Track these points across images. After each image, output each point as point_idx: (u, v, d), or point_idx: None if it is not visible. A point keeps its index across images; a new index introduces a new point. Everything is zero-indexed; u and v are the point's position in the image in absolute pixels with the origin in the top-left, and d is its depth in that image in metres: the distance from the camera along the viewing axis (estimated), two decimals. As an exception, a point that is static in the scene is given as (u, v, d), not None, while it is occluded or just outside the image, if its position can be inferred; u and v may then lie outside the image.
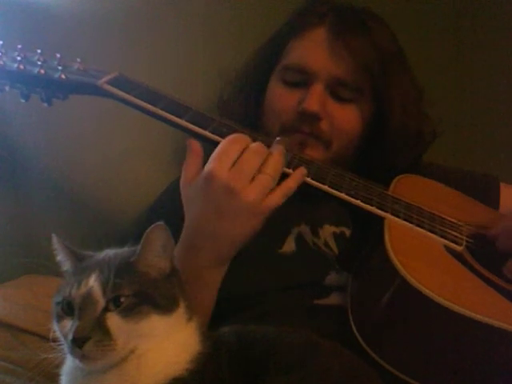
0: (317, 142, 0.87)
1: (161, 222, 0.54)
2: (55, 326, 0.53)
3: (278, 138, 0.73)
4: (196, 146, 0.72)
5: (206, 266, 0.70)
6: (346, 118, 0.87)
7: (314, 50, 0.87)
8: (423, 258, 0.69)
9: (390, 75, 0.87)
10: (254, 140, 0.71)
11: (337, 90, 0.86)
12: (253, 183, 0.68)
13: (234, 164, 0.68)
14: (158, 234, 0.54)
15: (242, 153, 0.68)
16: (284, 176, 0.71)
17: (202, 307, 0.70)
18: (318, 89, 0.85)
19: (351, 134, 0.89)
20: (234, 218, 0.68)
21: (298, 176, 0.72)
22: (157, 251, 0.54)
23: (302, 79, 0.87)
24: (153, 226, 0.54)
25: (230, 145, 0.69)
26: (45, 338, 0.77)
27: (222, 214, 0.68)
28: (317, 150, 0.87)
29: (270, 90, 0.91)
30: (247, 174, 0.67)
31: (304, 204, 0.85)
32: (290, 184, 0.71)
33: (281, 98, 0.89)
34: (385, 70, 0.87)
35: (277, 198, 0.69)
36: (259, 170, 0.68)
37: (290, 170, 0.72)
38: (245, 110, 0.94)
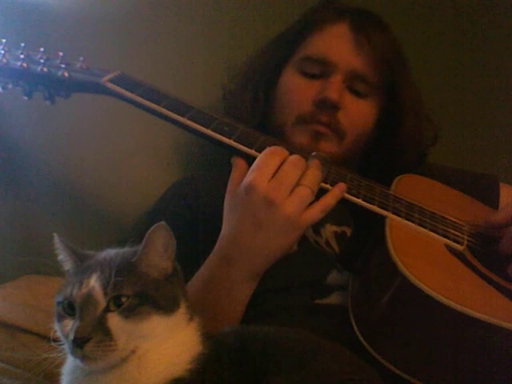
0: (332, 134, 0.87)
1: (162, 222, 0.54)
2: (56, 326, 0.53)
3: (314, 153, 0.73)
4: (240, 162, 0.72)
5: (239, 280, 0.69)
6: (360, 112, 0.88)
7: (336, 42, 0.88)
8: (424, 257, 0.69)
9: (402, 74, 0.90)
10: (291, 153, 0.71)
11: (354, 85, 0.87)
12: (292, 196, 0.67)
13: (273, 176, 0.67)
14: (159, 233, 0.54)
15: (281, 165, 0.68)
16: (321, 191, 0.71)
17: (229, 321, 0.69)
18: (337, 79, 0.86)
19: (364, 129, 0.90)
20: (272, 231, 0.67)
21: (337, 192, 0.71)
22: (158, 251, 0.54)
23: (321, 71, 0.88)
24: (155, 226, 0.53)
25: (269, 156, 0.69)
26: (44, 337, 0.78)
27: (260, 226, 0.67)
28: (331, 142, 0.87)
29: (286, 81, 0.91)
30: (287, 186, 0.67)
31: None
32: (329, 200, 0.70)
33: (299, 89, 0.89)
34: (399, 69, 0.89)
35: (315, 212, 0.69)
36: (298, 183, 0.68)
37: (328, 186, 0.72)
38: (252, 103, 0.94)
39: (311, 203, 0.69)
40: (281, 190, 0.67)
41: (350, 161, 0.87)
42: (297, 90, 0.89)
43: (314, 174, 0.69)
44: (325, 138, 0.87)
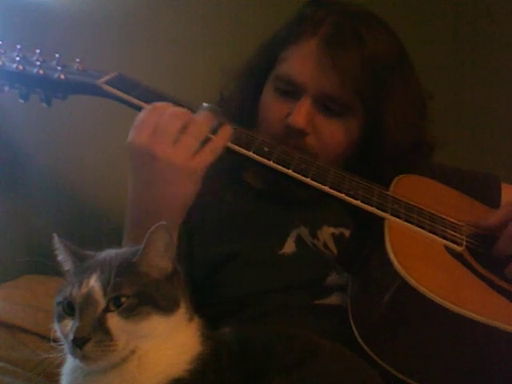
0: (304, 154, 0.83)
1: (163, 222, 0.54)
2: (56, 326, 0.53)
3: (204, 104, 0.73)
4: None
5: None
6: (333, 133, 0.85)
7: (302, 63, 0.84)
8: (423, 259, 0.69)
9: (384, 92, 0.84)
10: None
11: (326, 103, 0.84)
12: (175, 145, 0.67)
13: (154, 131, 0.67)
14: (160, 234, 0.54)
15: (162, 119, 0.68)
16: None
17: None
18: (305, 104, 0.83)
19: (338, 149, 0.86)
20: (163, 183, 0.66)
21: (224, 133, 0.71)
22: (159, 251, 0.54)
23: (292, 90, 0.85)
24: (155, 226, 0.53)
25: (148, 113, 0.68)
26: (44, 337, 0.78)
27: (149, 181, 0.67)
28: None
29: (263, 97, 0.89)
30: (167, 137, 0.66)
31: (302, 206, 0.85)
32: (217, 141, 0.70)
33: (271, 108, 0.88)
34: (378, 87, 0.84)
35: (205, 155, 0.68)
36: (181, 133, 0.67)
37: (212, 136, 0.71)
38: (242, 110, 0.93)
39: None
40: (161, 143, 0.66)
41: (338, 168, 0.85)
42: (269, 109, 0.88)
43: (198, 123, 0.69)
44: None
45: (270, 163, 0.73)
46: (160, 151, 0.66)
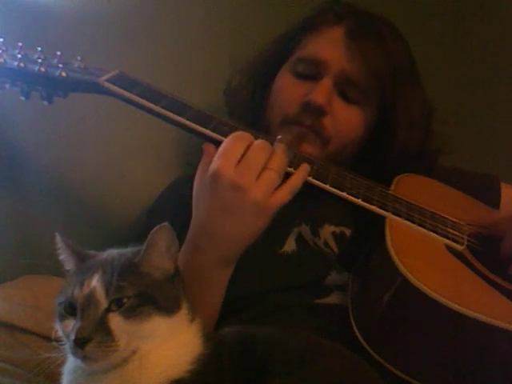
0: (315, 137, 0.86)
1: (165, 223, 0.54)
2: (57, 326, 0.53)
3: (279, 137, 0.73)
4: (211, 149, 0.71)
5: (212, 267, 0.69)
6: (348, 118, 0.87)
7: (329, 45, 0.87)
8: (424, 258, 0.69)
9: (399, 87, 0.87)
10: (257, 138, 0.71)
11: (345, 89, 0.86)
12: (259, 180, 0.67)
13: (239, 161, 0.67)
14: (162, 234, 0.54)
15: (247, 150, 0.68)
16: (288, 176, 0.71)
17: (209, 309, 0.70)
18: (326, 83, 0.85)
19: (351, 136, 0.88)
20: (241, 216, 0.67)
21: (302, 172, 0.72)
22: (161, 252, 0.54)
23: (313, 72, 0.87)
24: (157, 226, 0.53)
25: (234, 142, 0.69)
26: (44, 337, 0.77)
27: (228, 211, 0.67)
28: (314, 145, 0.86)
29: (279, 80, 0.91)
30: (253, 170, 0.67)
31: (304, 204, 0.84)
32: (296, 181, 0.71)
33: (288, 89, 0.89)
34: (395, 82, 0.87)
35: (283, 194, 0.69)
36: (264, 167, 0.68)
37: (292, 170, 0.72)
38: (250, 99, 0.94)
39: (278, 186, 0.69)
40: (248, 175, 0.67)
41: (340, 163, 0.86)
42: (286, 90, 0.89)
43: (280, 158, 0.69)
44: (308, 141, 0.86)
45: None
46: (246, 184, 0.66)
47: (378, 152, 0.89)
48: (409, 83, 0.89)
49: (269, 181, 0.68)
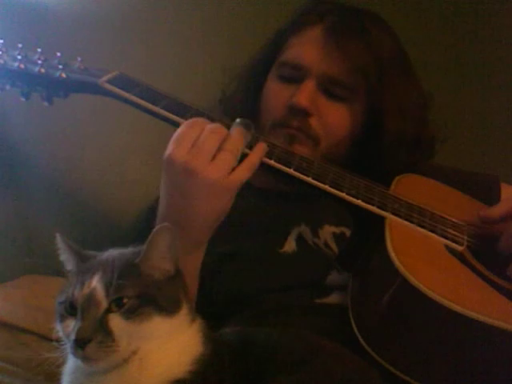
0: (305, 138, 0.87)
1: (167, 223, 0.54)
2: (58, 326, 0.53)
3: (237, 120, 0.73)
4: None
5: (184, 254, 0.67)
6: (335, 116, 0.87)
7: (308, 47, 0.87)
8: (424, 258, 0.69)
9: (387, 79, 0.87)
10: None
11: (329, 88, 0.86)
12: (213, 161, 0.67)
13: (192, 146, 0.67)
14: (163, 235, 0.54)
15: (200, 134, 0.68)
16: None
17: None
18: (308, 85, 0.86)
19: (341, 133, 0.88)
20: (199, 199, 0.67)
21: (259, 150, 0.72)
22: (162, 253, 0.54)
23: (296, 75, 0.87)
24: (159, 227, 0.53)
25: (187, 128, 0.69)
26: (45, 337, 0.78)
27: (185, 195, 0.67)
28: (305, 146, 0.87)
29: (266, 86, 0.92)
30: (206, 152, 0.67)
31: (304, 204, 0.85)
32: (254, 158, 0.71)
33: (274, 93, 0.90)
34: (381, 74, 0.86)
35: (241, 172, 0.69)
36: (219, 149, 0.68)
37: (248, 151, 0.72)
38: (244, 106, 0.94)
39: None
40: (200, 157, 0.67)
41: (337, 162, 0.86)
42: (273, 95, 0.90)
43: (234, 139, 0.69)
44: (298, 142, 0.86)
45: (272, 162, 0.74)
46: (198, 167, 0.66)
47: (372, 142, 0.89)
48: (398, 73, 0.89)
49: (223, 161, 0.67)
